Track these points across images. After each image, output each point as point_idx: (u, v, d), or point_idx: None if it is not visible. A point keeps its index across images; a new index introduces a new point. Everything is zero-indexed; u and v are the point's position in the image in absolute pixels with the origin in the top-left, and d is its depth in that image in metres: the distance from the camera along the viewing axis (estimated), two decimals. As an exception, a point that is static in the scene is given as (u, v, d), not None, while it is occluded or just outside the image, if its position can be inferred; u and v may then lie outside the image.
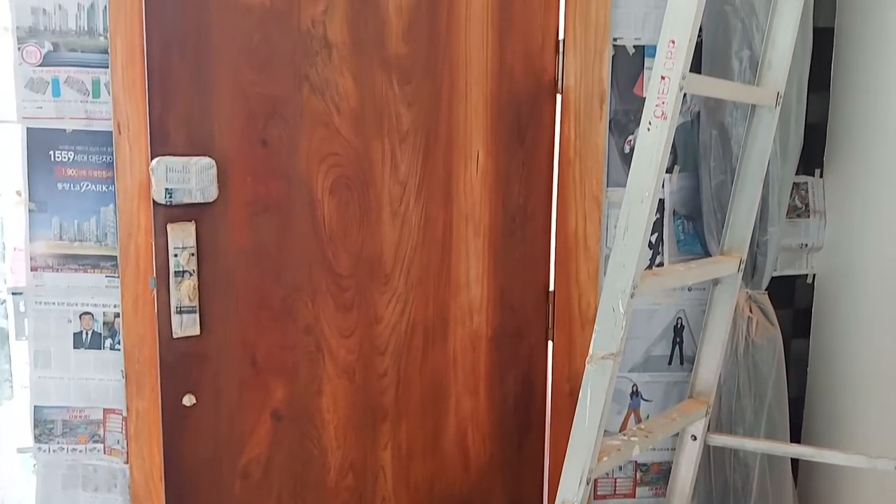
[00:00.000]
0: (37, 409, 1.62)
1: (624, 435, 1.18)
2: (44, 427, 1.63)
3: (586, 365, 1.04)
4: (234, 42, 1.28)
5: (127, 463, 1.63)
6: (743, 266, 1.23)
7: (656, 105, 0.97)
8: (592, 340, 1.04)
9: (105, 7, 1.50)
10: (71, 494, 1.65)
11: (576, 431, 1.06)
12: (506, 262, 1.61)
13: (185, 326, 1.29)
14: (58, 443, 1.64)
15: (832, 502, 1.70)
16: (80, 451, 1.65)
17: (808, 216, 1.74)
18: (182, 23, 1.24)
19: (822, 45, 1.67)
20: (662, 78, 0.96)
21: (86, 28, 1.52)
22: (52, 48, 1.53)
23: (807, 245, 1.75)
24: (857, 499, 1.63)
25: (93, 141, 1.57)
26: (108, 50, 1.49)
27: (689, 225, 1.69)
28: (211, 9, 1.26)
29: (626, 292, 1.01)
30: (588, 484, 1.06)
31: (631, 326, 1.69)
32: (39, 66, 1.53)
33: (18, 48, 1.52)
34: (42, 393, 1.62)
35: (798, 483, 1.76)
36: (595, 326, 1.04)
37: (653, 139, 0.98)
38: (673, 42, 0.94)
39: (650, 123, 0.98)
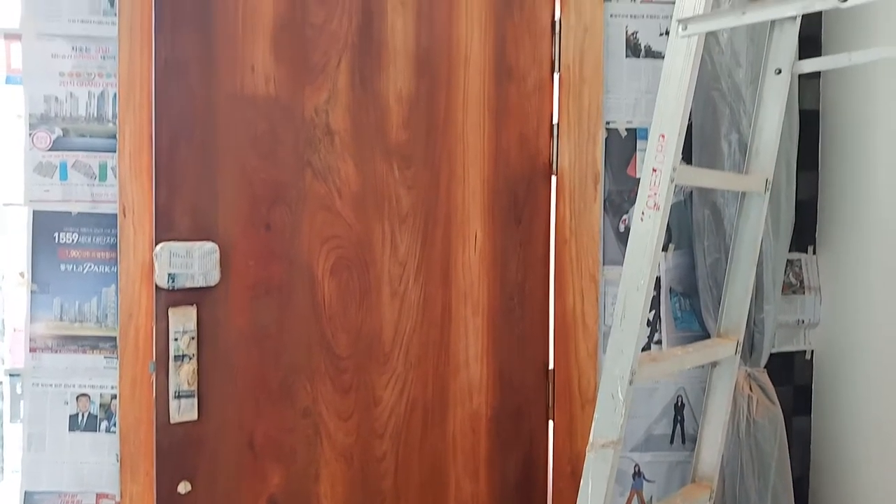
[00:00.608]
0: (27, 495, 1.59)
1: (627, 523, 1.16)
2: (34, 513, 1.59)
3: (587, 453, 1.04)
4: (240, 131, 1.33)
5: (118, 551, 1.58)
6: (740, 348, 1.24)
7: (649, 196, 1.00)
8: (592, 428, 1.04)
9: (115, 95, 1.56)
10: (58, 584, 1.60)
11: (578, 522, 1.05)
12: (505, 341, 1.62)
13: (183, 411, 1.28)
14: (48, 530, 1.60)
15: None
16: (71, 539, 1.60)
17: (804, 292, 1.76)
18: (190, 113, 1.28)
19: (809, 125, 1.73)
20: (654, 170, 0.99)
21: (95, 114, 1.58)
22: (62, 133, 1.58)
23: (803, 321, 1.76)
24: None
25: (97, 223, 1.60)
26: (117, 135, 1.53)
27: (686, 302, 1.70)
28: (218, 99, 1.31)
29: (624, 379, 1.01)
30: (592, 577, 1.04)
31: (631, 405, 1.68)
32: (49, 150, 1.58)
33: (30, 134, 1.57)
34: (34, 477, 1.59)
35: (808, 567, 1.71)
36: (595, 413, 1.04)
37: (646, 228, 1.01)
38: (663, 136, 0.98)
39: (643, 213, 1.00)
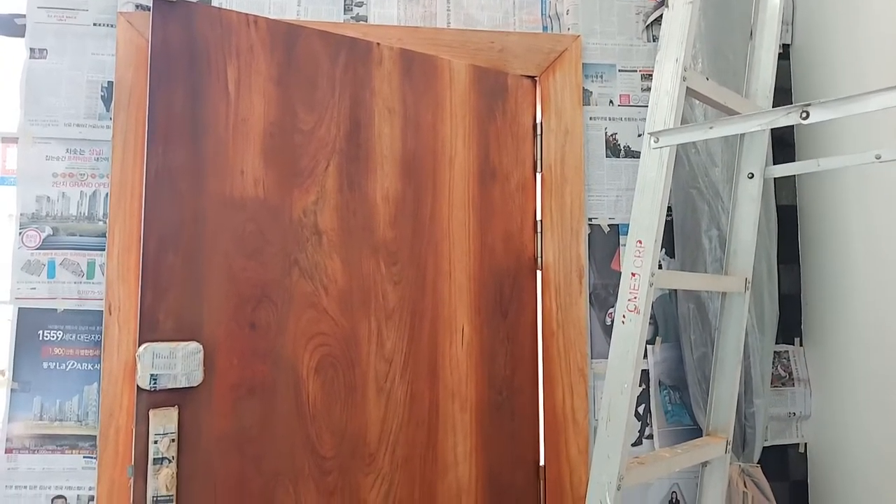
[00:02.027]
0: None
1: None
2: None
3: (576, 565, 1.00)
4: (228, 232, 1.35)
5: None
6: (730, 447, 1.22)
7: (629, 300, 1.01)
8: (581, 537, 1.01)
9: (107, 195, 1.59)
10: None
11: None
12: (494, 438, 1.59)
13: (161, 519, 1.24)
14: None
15: None
16: None
17: (794, 384, 1.75)
18: (178, 216, 1.31)
19: (788, 220, 1.78)
20: (633, 275, 1.01)
21: (86, 213, 1.60)
22: (51, 232, 1.60)
23: (795, 414, 1.74)
24: None
25: (82, 320, 1.60)
26: (106, 234, 1.56)
27: (676, 395, 1.69)
28: (207, 202, 1.34)
29: (612, 484, 1.00)
30: None
31: (626, 501, 1.64)
32: (38, 249, 1.59)
33: (20, 233, 1.59)
34: (1, 589, 1.52)
35: None
36: (583, 522, 1.02)
37: (628, 331, 1.01)
38: (640, 242, 1.00)
39: (624, 317, 1.02)
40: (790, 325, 1.77)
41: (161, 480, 1.24)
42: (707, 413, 1.28)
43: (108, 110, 1.62)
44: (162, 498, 1.24)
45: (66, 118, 1.62)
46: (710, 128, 0.96)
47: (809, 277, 1.77)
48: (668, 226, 1.70)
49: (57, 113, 1.61)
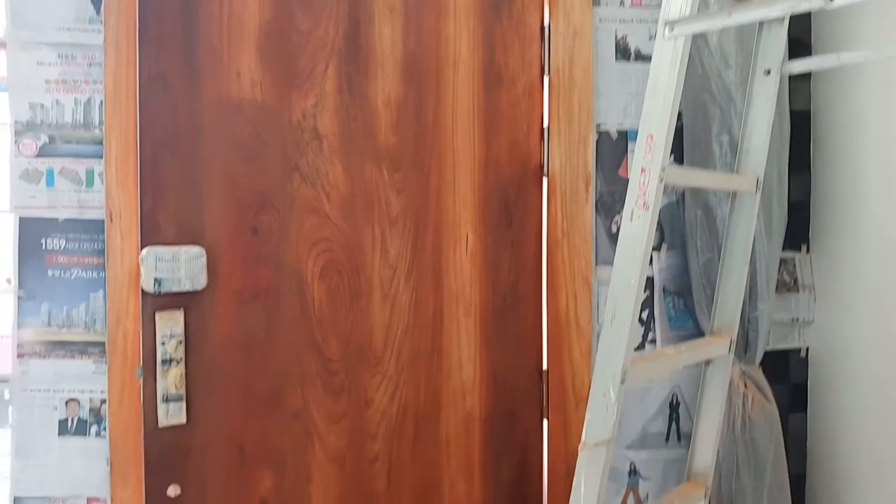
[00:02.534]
0: (17, 500, 1.57)
1: (620, 525, 1.15)
2: (24, 521, 1.58)
3: (579, 452, 1.03)
4: (226, 136, 1.32)
5: (108, 559, 1.57)
6: (734, 346, 1.23)
7: (638, 196, 0.99)
8: (584, 427, 1.03)
9: (101, 102, 1.55)
10: None
11: (570, 523, 1.04)
12: (498, 343, 1.61)
13: (171, 415, 1.27)
14: (38, 537, 1.58)
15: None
16: (61, 546, 1.59)
17: (798, 291, 1.75)
18: (174, 119, 1.27)
19: (800, 126, 1.73)
20: (643, 170, 0.99)
21: (81, 121, 1.56)
22: (48, 140, 1.57)
23: (798, 319, 1.75)
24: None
25: (84, 229, 1.59)
26: (103, 142, 1.52)
27: (680, 301, 1.70)
28: (203, 105, 1.30)
29: (615, 378, 1.01)
30: (585, 580, 1.03)
31: (626, 404, 1.68)
32: (35, 157, 1.56)
33: (15, 142, 1.55)
34: (23, 483, 1.58)
35: (804, 567, 1.70)
36: (587, 413, 1.03)
37: (636, 229, 1.00)
38: (651, 136, 0.97)
39: (633, 213, 1.00)
40: (797, 232, 1.75)
41: (170, 380, 1.26)
42: (712, 314, 1.28)
43: (98, 13, 1.55)
44: (172, 396, 1.27)
45: (54, 22, 1.55)
46: (729, 14, 0.91)
47: (819, 184, 1.74)
48: (678, 132, 1.66)
49: (45, 17, 1.55)
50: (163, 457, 1.27)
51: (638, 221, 0.99)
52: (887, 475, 1.52)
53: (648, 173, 0.98)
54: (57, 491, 1.59)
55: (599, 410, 1.02)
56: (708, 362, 1.26)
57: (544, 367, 1.67)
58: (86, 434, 1.59)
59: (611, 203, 1.68)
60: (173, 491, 1.28)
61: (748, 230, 1.24)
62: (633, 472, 1.70)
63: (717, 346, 1.21)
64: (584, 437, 1.03)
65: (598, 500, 1.03)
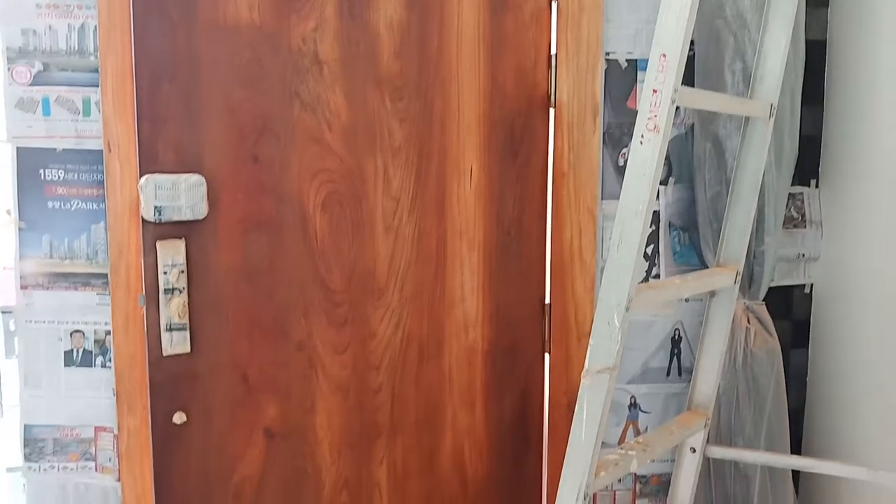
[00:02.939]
0: (27, 428, 1.60)
1: (622, 449, 1.16)
2: (34, 446, 1.61)
3: (582, 379, 1.03)
4: (224, 61, 1.28)
5: (118, 481, 1.60)
6: (739, 278, 1.22)
7: (648, 118, 0.96)
8: (588, 355, 1.03)
9: (95, 27, 1.50)
10: (62, 516, 1.63)
11: (572, 447, 1.05)
12: (501, 277, 1.60)
13: (175, 344, 1.27)
14: (48, 461, 1.61)
15: (834, 516, 1.68)
16: (72, 470, 1.62)
17: (805, 226, 1.73)
18: (171, 45, 1.23)
19: (815, 57, 1.67)
20: (654, 91, 0.95)
21: (76, 48, 1.52)
22: (42, 68, 1.53)
23: (804, 255, 1.74)
24: (859, 512, 1.61)
25: (83, 159, 1.56)
26: (99, 69, 1.48)
27: (685, 237, 1.68)
28: (199, 30, 1.25)
29: (620, 306, 1.00)
30: (586, 500, 1.05)
31: (628, 338, 1.68)
32: (30, 85, 1.53)
33: (8, 68, 1.51)
34: (32, 412, 1.60)
35: (799, 494, 1.74)
36: (590, 341, 1.03)
37: (646, 153, 0.97)
38: (664, 56, 0.94)
39: (643, 137, 0.97)
40: (808, 166, 1.72)
41: (173, 309, 1.26)
42: (719, 245, 1.26)
43: (87, -69, 1.49)
44: (176, 326, 1.27)
45: (41, -62, 1.49)
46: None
47: (832, 118, 1.69)
48: (689, 61, 1.61)
49: (31, -68, 1.48)
50: (168, 385, 1.28)
51: (648, 145, 0.97)
52: (887, 410, 1.53)
53: (660, 94, 0.95)
54: (65, 420, 1.62)
55: (603, 338, 1.02)
56: (713, 294, 1.25)
57: (547, 301, 1.67)
58: (91, 365, 1.61)
59: (618, 135, 1.64)
60: (179, 418, 1.29)
61: (759, 159, 1.21)
62: (634, 406, 1.72)
63: (723, 277, 1.20)
64: (588, 365, 1.03)
65: (599, 427, 1.04)
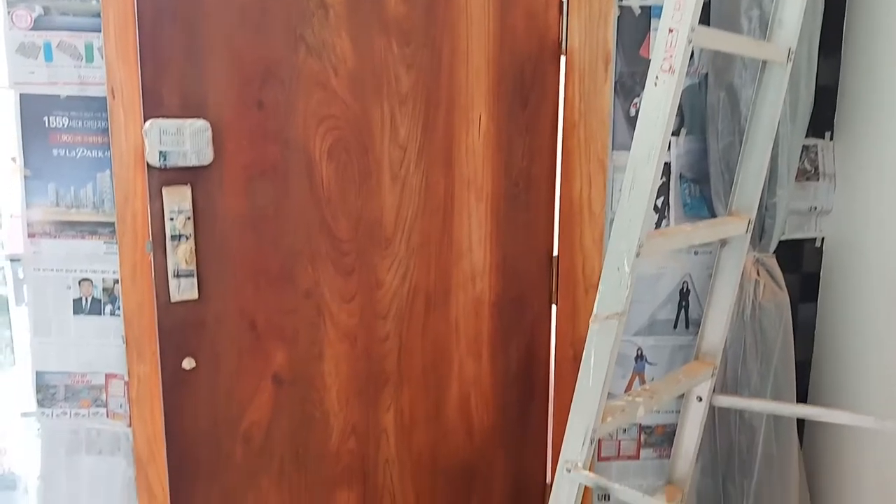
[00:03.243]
0: (38, 375, 1.62)
1: (629, 396, 1.16)
2: (46, 392, 1.63)
3: (590, 325, 1.03)
4: (227, 3, 1.24)
5: (130, 427, 1.63)
6: (751, 227, 1.20)
7: (664, 59, 0.94)
8: (596, 301, 1.02)
9: (96, -33, 1.46)
10: (74, 458, 1.66)
11: (579, 392, 1.05)
12: (509, 228, 1.59)
13: (183, 290, 1.27)
14: (60, 407, 1.64)
15: (837, 465, 1.69)
16: (83, 416, 1.65)
17: (818, 179, 1.71)
18: (174, -20, 1.20)
19: (834, 6, 1.62)
20: (670, 30, 0.92)
21: (77, -10, 1.49)
22: (42, 12, 1.50)
23: (816, 208, 1.72)
24: (862, 463, 1.62)
25: (87, 106, 1.54)
26: (100, 14, 1.45)
27: (696, 189, 1.66)
28: (203, -35, 1.22)
29: (631, 251, 0.99)
30: (592, 444, 1.05)
31: (636, 290, 1.67)
32: (31, 30, 1.50)
33: (8, 12, 1.48)
34: (43, 358, 1.62)
35: (804, 446, 1.75)
36: (599, 287, 1.02)
37: (660, 94, 0.95)
38: (681, -9, 0.91)
39: (657, 78, 0.94)
40: (823, 118, 1.68)
41: (180, 255, 1.26)
42: (731, 193, 1.24)
43: None
44: (183, 272, 1.27)
45: None
46: None
47: (850, 68, 1.65)
48: (706, 8, 1.56)
49: None
50: (176, 330, 1.29)
51: (662, 87, 0.94)
52: (892, 366, 1.53)
53: (676, 34, 0.92)
54: (75, 367, 1.63)
55: (612, 283, 1.01)
56: (724, 243, 1.24)
57: (555, 253, 1.66)
58: (100, 313, 1.61)
59: (630, 85, 1.61)
60: (188, 364, 1.30)
61: (775, 106, 1.18)
62: (640, 358, 1.73)
63: (735, 226, 1.18)
64: (596, 311, 1.03)
65: (606, 373, 1.04)
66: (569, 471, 1.06)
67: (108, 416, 1.66)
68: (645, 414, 1.16)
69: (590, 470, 1.05)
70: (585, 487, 1.11)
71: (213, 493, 1.35)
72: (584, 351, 1.04)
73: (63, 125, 1.55)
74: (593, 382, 1.04)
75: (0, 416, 1.72)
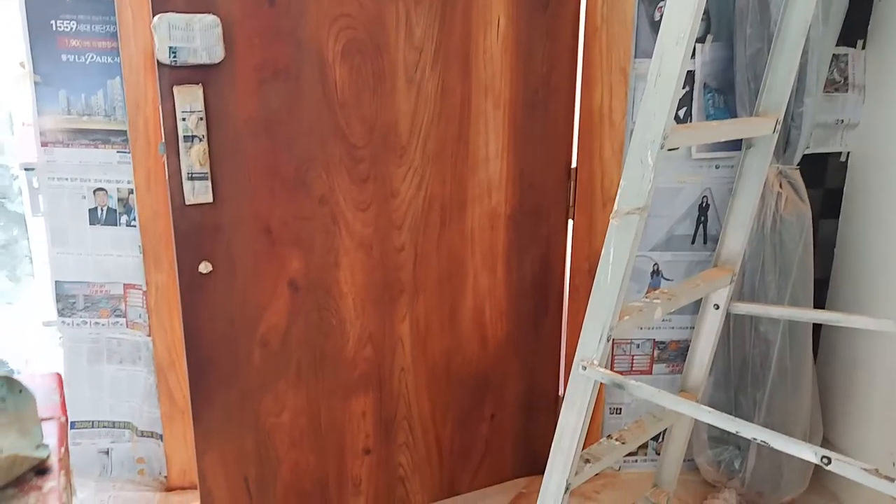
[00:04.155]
0: (58, 284, 1.64)
1: (647, 297, 1.15)
2: (66, 302, 1.65)
3: (610, 220, 1.01)
4: None
5: (149, 336, 1.65)
6: (778, 128, 1.16)
7: (696, -67, 0.88)
8: (618, 196, 1.00)
9: None
10: (96, 367, 1.69)
11: (596, 289, 1.04)
12: (527, 138, 1.55)
13: (198, 193, 1.26)
14: (81, 317, 1.66)
15: (850, 380, 1.70)
16: (103, 325, 1.67)
17: (847, 90, 1.65)
18: None
19: None
20: None
21: None
22: None
23: (843, 121, 1.66)
24: (875, 377, 1.62)
25: (94, 9, 1.50)
26: None
27: (720, 99, 1.61)
28: None
29: (655, 143, 0.96)
30: (608, 342, 1.05)
31: (654, 205, 1.63)
32: (33, -75, 1.45)
33: None
34: (61, 268, 1.63)
35: (818, 362, 1.75)
36: (621, 181, 1.00)
37: (690, -27, 0.90)
38: None
39: (688, -45, 0.89)
40: (856, 25, 1.61)
41: (193, 157, 1.24)
42: (759, 94, 1.20)
43: None
44: (197, 175, 1.26)
45: None
46: None
47: (889, -31, 1.57)
48: None
49: None
50: (192, 234, 1.28)
51: (693, -34, 0.89)
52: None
53: None
54: (93, 277, 1.65)
55: (635, 177, 0.98)
56: (749, 145, 1.20)
57: (573, 164, 1.63)
58: (116, 224, 1.62)
59: (656, -13, 1.54)
60: (205, 268, 1.30)
61: (807, 7, 1.12)
62: (656, 273, 1.71)
63: (762, 125, 1.15)
64: (617, 206, 1.01)
65: (625, 271, 1.02)
66: (584, 368, 1.06)
67: (127, 326, 1.68)
68: (662, 315, 1.15)
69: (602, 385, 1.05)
70: (597, 403, 1.11)
71: (231, 396, 1.37)
72: (603, 248, 1.03)
73: (71, 29, 1.51)
74: (611, 280, 1.03)
75: (23, 325, 1.75)
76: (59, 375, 1.00)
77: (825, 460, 0.85)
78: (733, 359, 1.64)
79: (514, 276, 1.62)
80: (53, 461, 0.80)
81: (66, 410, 0.93)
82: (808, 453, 0.86)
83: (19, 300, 1.74)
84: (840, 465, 0.84)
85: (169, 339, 1.63)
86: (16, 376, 0.84)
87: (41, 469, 0.79)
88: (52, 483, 0.76)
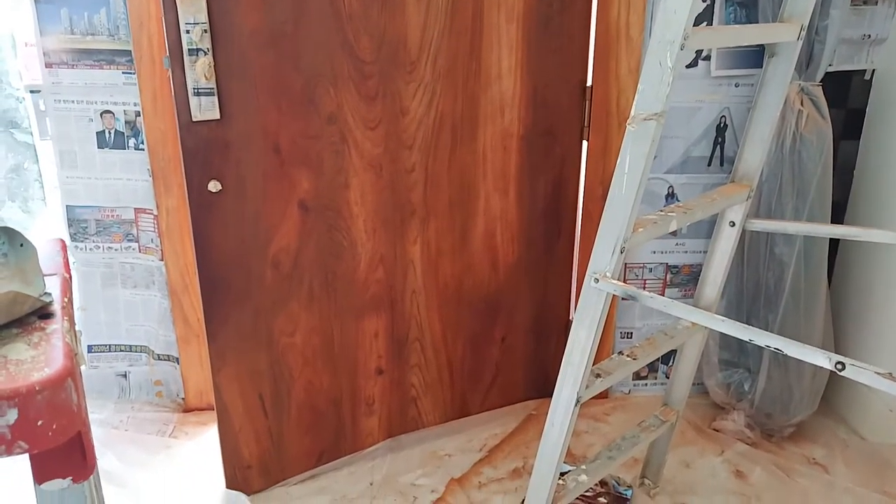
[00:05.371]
0: (69, 209, 1.64)
1: (662, 210, 1.13)
2: (78, 226, 1.65)
3: (627, 127, 0.98)
4: None
5: (162, 260, 1.66)
6: (803, 34, 1.11)
7: None
8: (635, 101, 0.97)
9: None
10: (111, 292, 1.71)
11: (611, 200, 1.02)
12: (540, 54, 1.51)
13: (205, 109, 1.24)
14: (93, 241, 1.67)
15: (864, 306, 1.68)
16: (116, 250, 1.68)
17: (876, 3, 1.58)
18: None
19: None
20: None
21: None
22: None
23: (869, 37, 1.60)
24: (889, 304, 1.61)
25: (93, -79, 1.46)
26: None
27: (742, 12, 1.54)
28: None
29: (675, 43, 0.92)
30: (622, 254, 1.04)
31: (670, 125, 1.61)
32: None
33: None
34: (72, 193, 1.63)
35: (832, 286, 1.73)
36: (638, 86, 0.96)
37: None
38: None
39: None
40: (889, -68, 1.53)
41: (199, 71, 1.21)
42: (783, 1, 1.14)
43: None
44: (203, 90, 1.23)
45: None
46: None
47: None
48: None
49: None
50: (200, 151, 1.26)
51: None
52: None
53: None
54: (104, 201, 1.64)
55: (653, 81, 0.95)
56: (772, 54, 1.16)
57: (588, 83, 1.58)
58: (125, 147, 1.60)
59: None
60: (214, 186, 1.29)
61: None
62: (671, 196, 1.69)
63: (787, 31, 1.10)
64: (634, 112, 0.97)
65: (640, 180, 1.00)
66: (597, 280, 1.05)
67: (140, 250, 1.69)
68: (677, 227, 1.13)
69: (613, 306, 1.04)
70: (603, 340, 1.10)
71: (244, 316, 1.38)
72: (619, 156, 1.00)
73: (69, -56, 1.46)
74: (626, 189, 1.01)
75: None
76: (62, 240, 1.01)
77: (839, 366, 0.84)
78: (746, 283, 1.63)
79: (527, 198, 1.60)
80: (56, 308, 0.80)
81: (69, 269, 0.94)
82: (822, 359, 0.86)
83: (32, 228, 1.75)
84: (854, 370, 0.84)
85: (182, 264, 1.64)
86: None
87: (44, 314, 0.79)
88: (55, 326, 0.77)
